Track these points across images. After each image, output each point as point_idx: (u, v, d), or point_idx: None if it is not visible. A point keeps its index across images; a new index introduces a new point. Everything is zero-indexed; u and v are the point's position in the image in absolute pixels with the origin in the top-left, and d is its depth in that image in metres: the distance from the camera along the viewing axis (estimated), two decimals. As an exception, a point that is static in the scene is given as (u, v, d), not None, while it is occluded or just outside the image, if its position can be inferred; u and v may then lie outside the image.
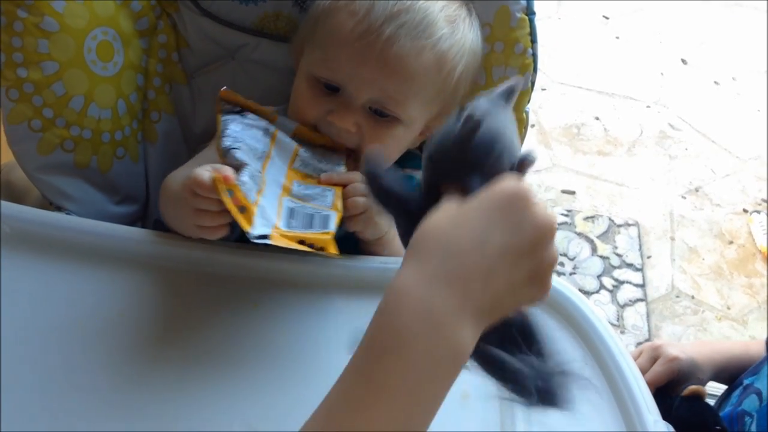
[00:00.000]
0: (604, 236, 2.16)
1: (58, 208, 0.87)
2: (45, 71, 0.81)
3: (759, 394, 0.85)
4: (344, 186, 0.78)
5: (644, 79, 2.64)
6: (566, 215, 2.20)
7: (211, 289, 0.76)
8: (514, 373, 0.53)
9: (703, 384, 1.00)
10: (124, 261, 0.77)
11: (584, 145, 2.41)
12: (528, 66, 0.86)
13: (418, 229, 0.51)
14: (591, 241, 2.14)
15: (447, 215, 0.51)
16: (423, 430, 0.48)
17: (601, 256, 2.11)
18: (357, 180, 0.78)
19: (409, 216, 0.55)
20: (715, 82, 2.66)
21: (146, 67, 0.95)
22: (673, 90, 2.62)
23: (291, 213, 0.72)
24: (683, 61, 2.72)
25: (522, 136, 0.89)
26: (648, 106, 2.55)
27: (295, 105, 0.86)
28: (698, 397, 0.94)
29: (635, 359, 1.05)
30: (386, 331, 0.47)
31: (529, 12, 0.86)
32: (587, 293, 2.00)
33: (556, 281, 0.80)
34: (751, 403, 0.86)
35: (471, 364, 0.52)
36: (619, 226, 2.20)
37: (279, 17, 0.94)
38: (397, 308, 0.48)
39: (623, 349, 0.77)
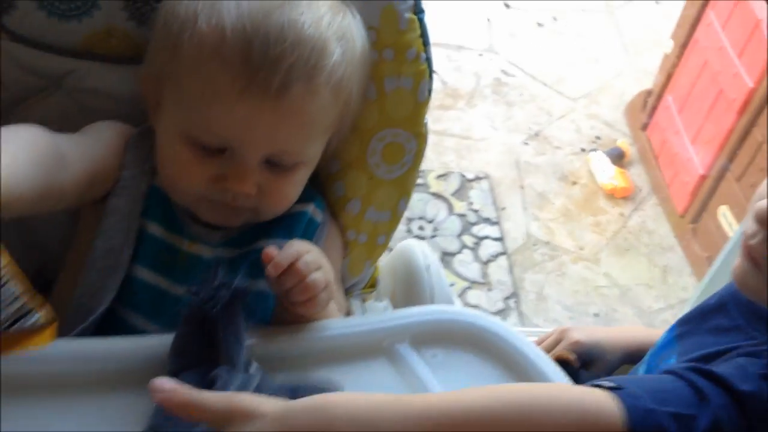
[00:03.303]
0: (458, 193, 2.15)
1: None
2: None
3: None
4: (293, 264, 0.65)
5: (473, 27, 2.63)
6: (419, 176, 2.16)
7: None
8: None
9: (614, 366, 1.01)
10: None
11: (426, 101, 2.37)
12: (423, 73, 0.77)
13: None
14: (446, 200, 2.13)
15: None
16: None
17: (458, 215, 2.10)
18: (304, 252, 0.66)
19: None
20: (538, 24, 2.70)
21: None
22: (501, 36, 2.63)
23: None
24: (506, 5, 2.74)
25: (422, 150, 0.80)
26: (480, 54, 2.55)
27: (171, 171, 0.71)
28: (565, 362, 0.97)
29: (544, 341, 1.05)
30: None
31: (418, 10, 0.75)
32: (450, 254, 2.00)
33: (473, 314, 0.73)
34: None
35: None
36: (471, 180, 2.20)
37: (112, 34, 0.76)
38: None
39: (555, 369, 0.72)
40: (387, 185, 0.81)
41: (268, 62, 0.64)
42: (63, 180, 0.65)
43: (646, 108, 2.29)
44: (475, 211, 2.12)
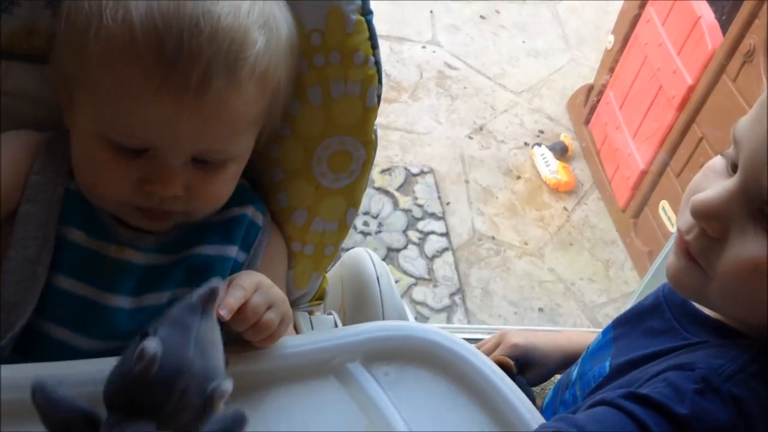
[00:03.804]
0: (403, 188, 2.13)
1: None
2: None
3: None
4: (243, 309, 0.61)
5: (415, 19, 2.61)
6: (363, 171, 2.13)
7: None
8: None
9: (552, 371, 1.00)
10: None
11: (370, 94, 2.33)
12: (371, 78, 0.73)
13: None
14: (391, 196, 2.10)
15: None
16: None
17: (403, 210, 2.08)
18: (251, 290, 0.62)
19: None
20: (481, 16, 2.69)
21: None
22: (444, 28, 2.61)
23: None
24: (450, -4, 2.72)
25: (371, 158, 0.77)
26: (423, 47, 2.53)
27: (90, 176, 0.66)
28: (503, 366, 0.95)
29: (484, 345, 1.03)
30: None
31: (366, 12, 0.71)
32: (396, 250, 1.98)
33: (426, 329, 0.70)
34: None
35: None
36: (415, 175, 2.17)
37: (33, 33, 0.71)
38: None
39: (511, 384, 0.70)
40: (334, 195, 0.77)
41: (184, 57, 0.59)
42: None
43: (588, 103, 2.31)
44: (420, 206, 2.10)
